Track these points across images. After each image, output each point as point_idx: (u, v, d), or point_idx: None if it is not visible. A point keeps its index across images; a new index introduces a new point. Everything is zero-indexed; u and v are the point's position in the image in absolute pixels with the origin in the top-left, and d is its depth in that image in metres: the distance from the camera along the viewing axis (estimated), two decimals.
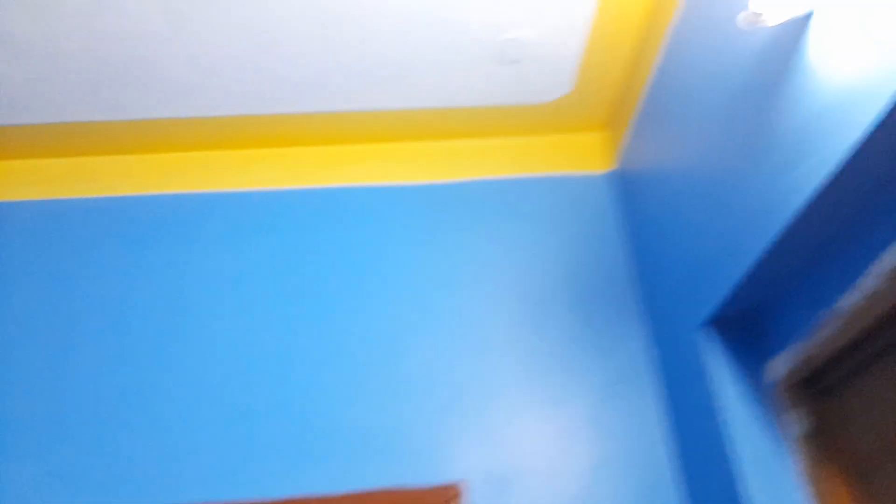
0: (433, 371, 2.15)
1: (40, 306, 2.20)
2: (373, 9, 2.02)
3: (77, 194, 2.39)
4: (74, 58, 2.08)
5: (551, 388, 2.14)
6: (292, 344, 2.17)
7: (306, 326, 2.20)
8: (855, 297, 1.36)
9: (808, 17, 1.26)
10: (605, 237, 2.39)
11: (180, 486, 1.97)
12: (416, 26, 2.09)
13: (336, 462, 2.02)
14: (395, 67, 2.24)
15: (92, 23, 1.98)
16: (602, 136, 2.60)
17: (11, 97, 2.19)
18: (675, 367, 2.01)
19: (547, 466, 2.04)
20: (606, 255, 2.36)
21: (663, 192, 2.07)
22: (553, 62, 2.28)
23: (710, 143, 1.73)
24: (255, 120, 2.39)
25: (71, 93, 2.20)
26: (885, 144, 1.15)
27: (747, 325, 1.79)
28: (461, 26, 2.11)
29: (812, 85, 1.26)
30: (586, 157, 2.56)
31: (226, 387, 2.10)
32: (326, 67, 2.21)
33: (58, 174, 2.42)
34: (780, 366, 1.67)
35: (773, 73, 1.39)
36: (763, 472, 1.65)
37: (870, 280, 1.32)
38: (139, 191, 2.41)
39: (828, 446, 1.59)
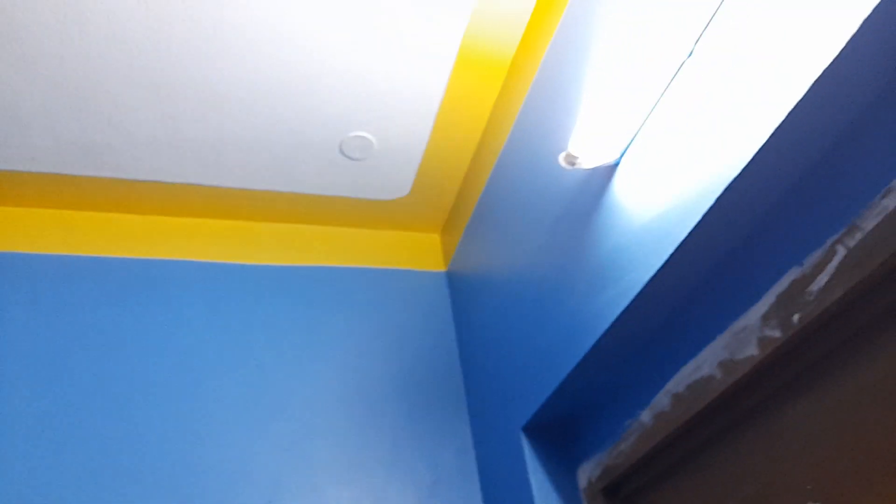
0: (253, 460, 2.07)
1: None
2: (221, 84, 2.03)
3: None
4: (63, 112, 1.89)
5: (375, 486, 2.12)
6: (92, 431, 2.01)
7: (118, 404, 2.04)
8: (650, 413, 1.52)
9: (615, 165, 1.44)
10: (438, 334, 2.47)
11: None
12: (267, 108, 2.12)
13: None
14: (243, 147, 2.24)
15: None
16: (437, 237, 2.73)
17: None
18: (497, 469, 2.08)
19: None
20: (438, 353, 2.43)
21: (490, 297, 2.20)
22: (394, 165, 2.39)
23: (532, 259, 1.88)
24: (68, 179, 2.26)
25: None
26: (673, 279, 1.32)
27: (562, 431, 1.91)
28: (312, 116, 2.17)
29: (616, 221, 1.43)
30: (423, 256, 2.66)
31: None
32: (160, 136, 2.16)
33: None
34: (589, 472, 1.79)
35: (586, 205, 1.56)
36: None
37: (663, 398, 1.47)
38: None
39: None
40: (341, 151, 2.32)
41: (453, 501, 2.15)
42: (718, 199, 1.13)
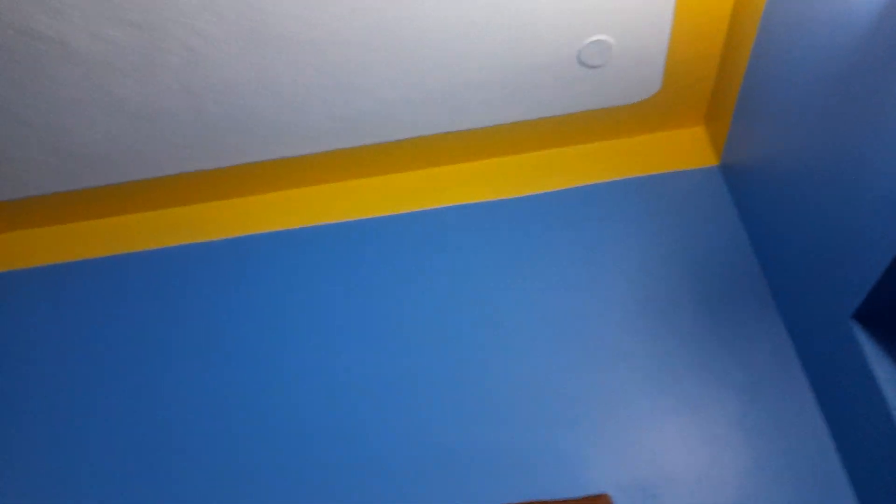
0: (555, 384, 2.14)
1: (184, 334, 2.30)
2: (448, 30, 2.03)
3: (192, 240, 2.50)
4: (174, 114, 2.19)
5: (686, 394, 2.09)
6: (411, 370, 2.20)
7: (423, 351, 2.23)
8: None
9: None
10: (723, 232, 2.32)
11: None
12: (495, 42, 2.09)
13: (472, 481, 2.03)
14: (478, 85, 2.24)
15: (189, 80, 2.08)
16: (700, 130, 2.54)
17: (117, 158, 2.32)
18: (827, 363, 1.92)
19: (695, 475, 1.99)
20: (728, 251, 2.29)
21: (777, 183, 2.00)
22: (637, 63, 2.24)
23: (822, 128, 1.66)
24: (346, 153, 2.44)
25: (173, 147, 2.32)
26: None
27: None
28: (541, 36, 2.10)
29: None
30: (688, 154, 2.50)
31: (355, 417, 2.14)
32: (409, 94, 2.24)
33: (171, 224, 2.54)
34: None
35: (886, 47, 1.32)
36: None
37: None
38: (246, 231, 2.50)
39: None
40: (580, 62, 2.22)
41: (781, 401, 2.04)
42: None
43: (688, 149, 2.51)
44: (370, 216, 2.49)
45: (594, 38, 2.15)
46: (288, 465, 2.10)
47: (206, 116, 2.21)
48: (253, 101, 2.18)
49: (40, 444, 2.21)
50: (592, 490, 2.00)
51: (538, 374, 2.16)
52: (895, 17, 1.33)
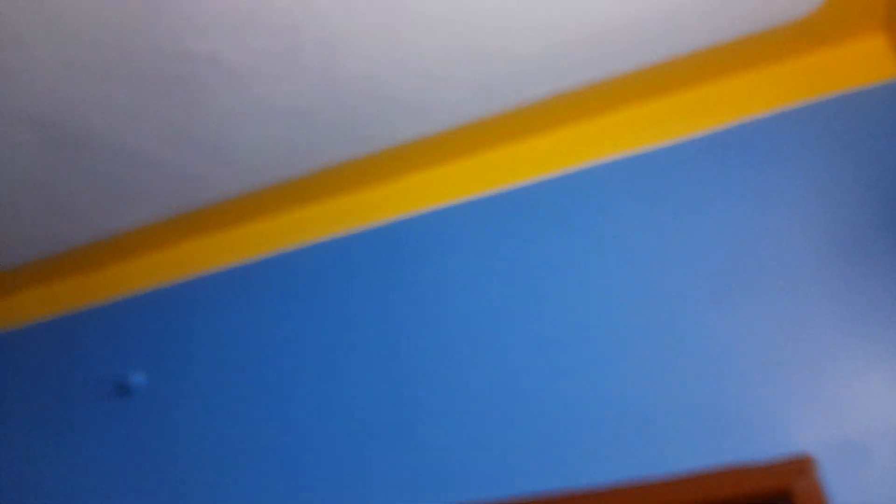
0: (745, 337, 2.01)
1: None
2: None
3: (359, 225, 2.58)
4: (319, 109, 2.25)
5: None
6: (594, 332, 2.15)
7: (604, 312, 2.16)
8: None
9: None
10: None
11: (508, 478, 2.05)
12: None
13: (660, 445, 1.97)
14: (622, 26, 2.11)
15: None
16: (881, 38, 2.24)
17: (265, 157, 2.43)
18: None
19: None
20: None
21: None
22: None
23: None
24: (492, 120, 2.40)
25: (318, 138, 2.39)
26: None
27: None
28: None
29: None
30: (867, 68, 2.22)
31: (521, 382, 2.14)
32: (547, 48, 2.14)
33: (334, 214, 2.64)
34: None
35: None
36: None
37: None
38: (402, 213, 2.54)
39: None
40: None
41: None
42: None
43: (866, 62, 2.23)
44: (525, 182, 2.43)
45: None
46: (487, 436, 2.14)
47: (349, 107, 2.26)
48: (392, 84, 2.19)
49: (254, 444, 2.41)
50: (793, 451, 1.88)
51: (726, 329, 2.04)
52: None
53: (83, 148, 2.34)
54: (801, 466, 1.87)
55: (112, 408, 2.61)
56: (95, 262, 2.93)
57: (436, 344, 2.28)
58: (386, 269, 2.45)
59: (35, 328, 2.97)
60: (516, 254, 2.32)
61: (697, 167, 2.25)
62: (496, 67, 2.19)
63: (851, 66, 2.23)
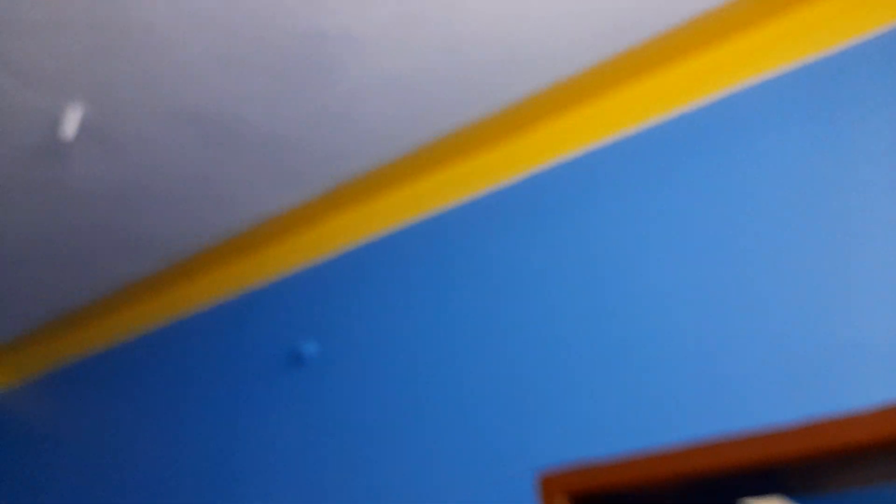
0: None
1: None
2: None
3: (498, 182, 2.58)
4: (439, 73, 2.30)
5: None
6: (731, 268, 2.02)
7: (745, 248, 2.03)
8: None
9: None
10: None
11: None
12: None
13: (833, 380, 1.82)
14: None
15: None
16: None
17: (398, 125, 2.50)
18: None
19: None
20: None
21: None
22: None
23: None
24: (626, 55, 2.33)
25: (446, 100, 2.43)
26: None
27: None
28: None
29: None
30: None
31: (678, 325, 2.06)
32: None
33: (470, 174, 2.68)
34: None
35: None
36: None
37: None
38: (539, 164, 2.49)
39: None
40: None
41: None
42: None
43: None
44: (665, 116, 2.30)
45: None
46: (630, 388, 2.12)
47: (475, 65, 2.29)
48: (515, 37, 2.20)
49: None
50: None
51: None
52: None
53: (236, 138, 2.54)
54: None
55: (286, 378, 2.81)
56: (256, 244, 3.17)
57: (587, 292, 2.25)
58: (534, 222, 2.44)
59: (212, 311, 3.26)
60: (665, 191, 2.20)
61: (864, 74, 2.03)
62: (621, 5, 2.14)
63: None
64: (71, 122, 2.38)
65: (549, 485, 1.98)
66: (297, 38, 2.14)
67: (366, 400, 2.54)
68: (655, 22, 2.21)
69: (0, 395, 4.24)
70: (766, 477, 2.14)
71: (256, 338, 3.00)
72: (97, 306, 3.72)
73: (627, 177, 2.30)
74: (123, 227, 3.04)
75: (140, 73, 2.26)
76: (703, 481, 2.02)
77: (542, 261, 2.35)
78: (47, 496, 3.53)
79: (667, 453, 1.92)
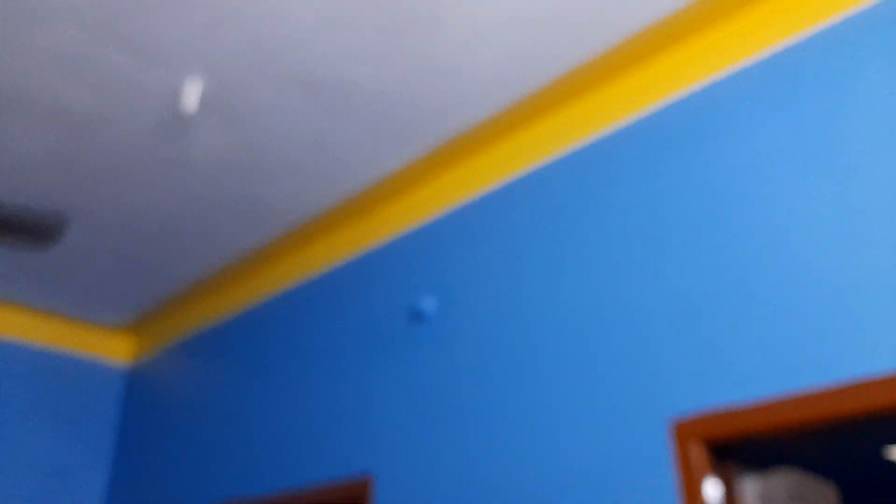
0: None
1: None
2: None
3: (614, 123, 2.48)
4: (546, 12, 2.21)
5: None
6: (869, 200, 1.87)
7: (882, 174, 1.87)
8: None
9: None
10: None
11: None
12: None
13: None
14: None
15: None
16: None
17: (505, 73, 2.43)
18: None
19: None
20: None
21: None
22: None
23: None
24: None
25: (551, 44, 2.34)
26: None
27: None
28: None
29: None
30: None
31: (810, 261, 1.93)
32: None
33: (584, 117, 2.60)
34: None
35: None
36: None
37: None
38: (660, 99, 2.38)
39: None
40: None
41: None
42: None
43: None
44: (784, 44, 2.14)
45: None
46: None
47: (577, 5, 2.20)
48: None
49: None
50: None
51: None
52: None
53: (345, 101, 2.57)
54: None
55: (408, 333, 2.87)
56: (372, 205, 3.23)
57: (716, 232, 2.12)
58: (649, 163, 2.32)
59: (333, 272, 3.37)
60: (786, 120, 2.07)
61: None
62: None
63: None
64: (191, 97, 2.48)
65: (684, 431, 1.93)
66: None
67: (487, 352, 2.54)
68: None
69: (144, 362, 4.59)
70: None
71: (379, 296, 3.07)
72: (225, 275, 3.93)
73: (749, 107, 2.16)
74: (245, 196, 3.17)
75: (253, 41, 2.31)
76: (845, 426, 1.91)
77: (666, 203, 2.24)
78: (192, 447, 3.80)
79: (806, 396, 1.82)
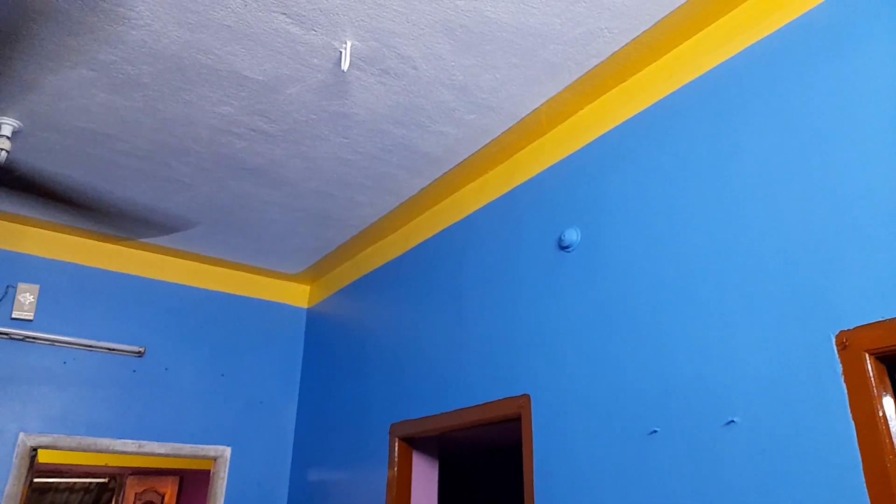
0: None
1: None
2: None
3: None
4: None
5: None
6: None
7: None
8: None
9: None
10: None
11: None
12: None
13: None
14: None
15: None
16: None
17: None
18: None
19: None
20: None
21: None
22: None
23: None
24: None
25: None
26: None
27: None
28: None
29: None
30: None
31: None
32: None
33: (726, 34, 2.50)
34: None
35: None
36: None
37: None
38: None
39: None
40: None
41: None
42: None
43: None
44: None
45: None
46: None
47: None
48: None
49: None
50: None
51: None
52: None
53: (488, 40, 2.64)
54: None
55: (555, 263, 2.96)
56: (517, 143, 3.32)
57: (877, 145, 2.01)
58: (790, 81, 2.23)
59: (485, 209, 3.53)
60: None
61: None
62: None
63: None
64: (348, 56, 2.68)
65: (850, 341, 1.87)
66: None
67: (638, 277, 2.56)
68: None
69: (321, 304, 5.05)
70: None
71: (529, 228, 3.19)
72: (386, 222, 4.21)
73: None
74: (405, 145, 3.37)
75: None
76: None
77: (832, 114, 2.13)
78: (365, 378, 4.18)
79: None
